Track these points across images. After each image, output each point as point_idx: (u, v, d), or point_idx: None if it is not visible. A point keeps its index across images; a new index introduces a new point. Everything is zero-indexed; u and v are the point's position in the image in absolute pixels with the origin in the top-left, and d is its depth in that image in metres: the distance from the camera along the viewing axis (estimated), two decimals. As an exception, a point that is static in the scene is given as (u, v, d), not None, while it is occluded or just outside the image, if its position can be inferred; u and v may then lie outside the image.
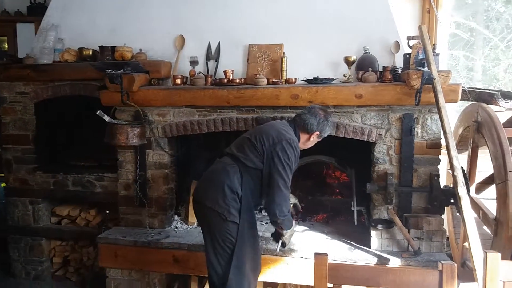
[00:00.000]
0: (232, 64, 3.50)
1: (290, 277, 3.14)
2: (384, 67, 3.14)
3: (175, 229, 3.58)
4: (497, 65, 8.55)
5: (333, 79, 3.19)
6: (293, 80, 3.27)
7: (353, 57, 3.23)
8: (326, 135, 2.86)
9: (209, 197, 2.59)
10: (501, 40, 8.50)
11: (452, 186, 3.03)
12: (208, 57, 3.56)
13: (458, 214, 3.65)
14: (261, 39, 3.47)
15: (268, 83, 3.26)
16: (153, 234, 3.43)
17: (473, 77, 8.07)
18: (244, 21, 3.53)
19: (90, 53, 3.66)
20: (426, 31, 2.93)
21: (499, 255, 1.75)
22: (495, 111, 2.99)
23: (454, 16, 6.80)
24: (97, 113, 3.14)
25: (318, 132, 2.76)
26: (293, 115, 2.94)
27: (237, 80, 3.32)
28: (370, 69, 3.15)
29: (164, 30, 3.63)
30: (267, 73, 3.41)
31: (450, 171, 2.70)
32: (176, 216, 3.72)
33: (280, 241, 2.81)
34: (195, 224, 3.65)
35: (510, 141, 2.81)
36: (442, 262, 1.70)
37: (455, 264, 1.71)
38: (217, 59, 3.56)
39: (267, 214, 2.94)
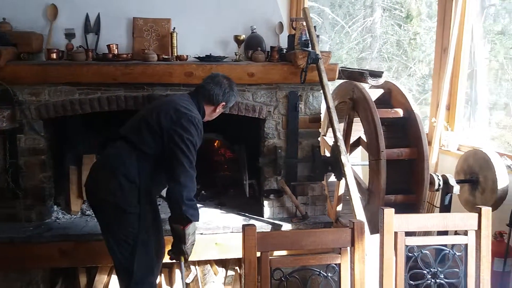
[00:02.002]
0: (115, 38, 3.26)
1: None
2: (271, 47, 3.30)
3: (57, 220, 3.25)
4: (340, 48, 9.65)
5: (224, 57, 3.23)
6: (185, 57, 3.21)
7: (243, 36, 3.31)
8: (231, 105, 2.83)
9: (104, 188, 2.36)
10: (344, 25, 9.57)
11: (330, 155, 3.40)
12: (86, 30, 3.25)
13: (331, 179, 4.10)
14: (146, 13, 3.31)
15: (159, 59, 3.14)
16: (31, 228, 3.06)
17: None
18: (126, -8, 3.31)
19: None
20: (309, 13, 3.17)
21: (392, 210, 2.07)
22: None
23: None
24: (-45, 92, 2.64)
25: (224, 103, 2.68)
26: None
27: (124, 56, 3.12)
28: (259, 48, 3.28)
29: (31, -3, 3.18)
30: (155, 48, 3.28)
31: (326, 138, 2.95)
32: (56, 206, 3.38)
33: (182, 261, 2.54)
34: (79, 213, 3.38)
35: (381, 121, 3.19)
36: (354, 221, 1.94)
37: (364, 221, 1.97)
38: (97, 32, 3.27)
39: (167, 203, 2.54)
